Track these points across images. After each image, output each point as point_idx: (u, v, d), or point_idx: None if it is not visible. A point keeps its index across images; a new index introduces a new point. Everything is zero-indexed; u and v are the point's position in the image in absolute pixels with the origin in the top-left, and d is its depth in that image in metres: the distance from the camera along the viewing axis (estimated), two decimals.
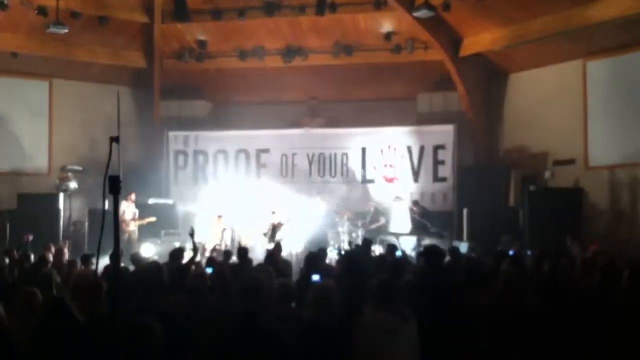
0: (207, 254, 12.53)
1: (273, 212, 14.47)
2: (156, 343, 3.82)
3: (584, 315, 5.14)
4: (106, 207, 3.26)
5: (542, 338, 4.80)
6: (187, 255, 8.60)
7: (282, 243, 11.72)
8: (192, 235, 8.96)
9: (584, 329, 5.01)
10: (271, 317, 4.69)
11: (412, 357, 4.68)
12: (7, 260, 9.01)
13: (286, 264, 9.39)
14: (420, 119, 16.61)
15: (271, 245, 12.94)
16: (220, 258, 10.38)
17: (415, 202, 14.70)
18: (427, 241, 12.89)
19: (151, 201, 15.29)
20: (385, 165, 16.40)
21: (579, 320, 5.11)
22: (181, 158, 17.26)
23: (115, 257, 3.56)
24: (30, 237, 10.94)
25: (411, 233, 13.87)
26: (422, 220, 14.03)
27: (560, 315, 4.99)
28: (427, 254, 6.01)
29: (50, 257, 9.21)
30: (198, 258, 9.26)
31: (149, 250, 12.87)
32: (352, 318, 4.81)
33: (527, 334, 4.90)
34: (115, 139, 3.34)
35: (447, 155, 16.04)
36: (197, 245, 9.05)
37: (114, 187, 3.28)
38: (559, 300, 5.10)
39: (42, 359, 4.24)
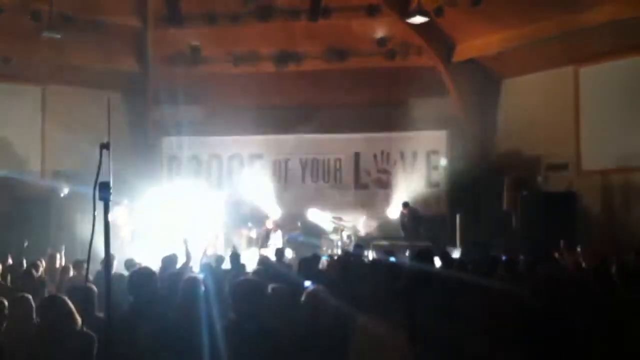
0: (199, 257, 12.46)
1: (267, 217, 14.45)
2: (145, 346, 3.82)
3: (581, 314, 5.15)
4: (97, 213, 3.26)
5: (539, 340, 4.79)
6: (180, 262, 8.58)
7: (275, 248, 11.70)
8: (185, 242, 8.93)
9: (583, 330, 5.03)
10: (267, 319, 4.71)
11: None
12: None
13: (288, 268, 9.38)
14: (414, 124, 16.62)
15: (263, 250, 12.95)
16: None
17: (405, 205, 14.63)
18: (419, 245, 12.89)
19: None
20: (379, 171, 16.42)
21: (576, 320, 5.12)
22: (175, 163, 17.24)
23: (107, 263, 3.56)
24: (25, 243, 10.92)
25: (402, 238, 13.86)
26: (414, 223, 14.02)
27: (558, 315, 4.98)
28: (419, 257, 6.00)
29: (43, 263, 9.19)
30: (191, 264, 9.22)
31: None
32: (344, 322, 4.82)
33: (523, 338, 4.90)
34: (105, 146, 3.34)
35: (440, 161, 16.09)
36: (189, 251, 9.02)
37: (105, 193, 3.28)
38: (556, 301, 5.09)
39: None
